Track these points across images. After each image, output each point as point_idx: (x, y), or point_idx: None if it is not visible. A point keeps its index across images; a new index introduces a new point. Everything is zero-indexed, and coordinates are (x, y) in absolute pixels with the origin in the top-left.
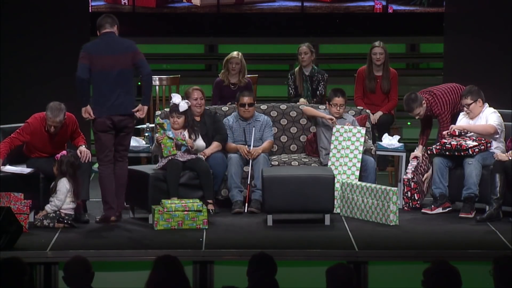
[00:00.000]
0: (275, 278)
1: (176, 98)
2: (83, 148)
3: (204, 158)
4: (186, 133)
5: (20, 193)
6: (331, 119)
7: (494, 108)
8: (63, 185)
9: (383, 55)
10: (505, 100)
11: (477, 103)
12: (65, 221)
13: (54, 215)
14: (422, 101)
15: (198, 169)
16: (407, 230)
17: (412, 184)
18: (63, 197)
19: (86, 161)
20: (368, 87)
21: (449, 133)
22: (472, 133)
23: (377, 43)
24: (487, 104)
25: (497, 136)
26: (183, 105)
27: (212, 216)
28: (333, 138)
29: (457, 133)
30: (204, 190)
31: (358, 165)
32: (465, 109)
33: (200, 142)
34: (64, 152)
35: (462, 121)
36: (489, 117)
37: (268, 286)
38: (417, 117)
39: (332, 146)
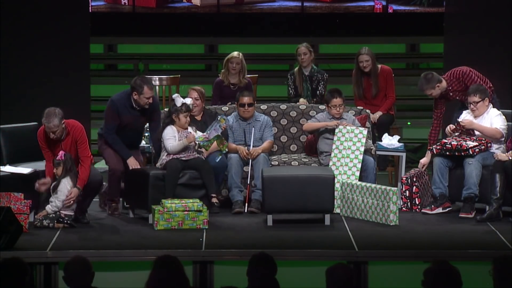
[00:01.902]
0: (276, 278)
1: (181, 99)
2: (75, 191)
3: (204, 158)
4: (190, 130)
5: (20, 193)
6: (335, 124)
7: (494, 107)
8: (64, 186)
9: (369, 61)
10: (505, 100)
11: (484, 102)
12: (65, 221)
13: (54, 215)
14: (436, 83)
15: (200, 167)
16: (407, 230)
17: (414, 188)
18: (64, 197)
19: (66, 205)
20: (357, 93)
21: (459, 121)
22: (477, 133)
23: (362, 50)
24: (491, 105)
25: (502, 139)
26: (190, 103)
27: (215, 215)
28: (335, 138)
29: (464, 127)
30: (206, 185)
31: (359, 165)
32: (471, 106)
33: (200, 134)
34: (63, 152)
35: (467, 118)
36: (494, 120)
37: (268, 286)
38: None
39: (334, 146)
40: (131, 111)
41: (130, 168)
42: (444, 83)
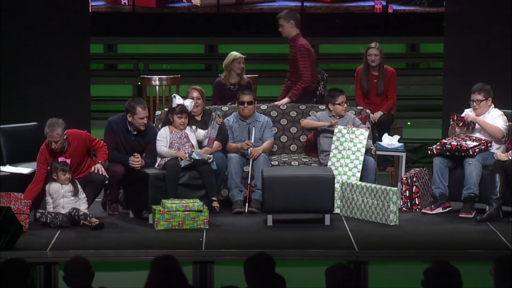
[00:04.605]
0: (278, 273)
1: (180, 99)
2: (98, 165)
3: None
4: (188, 130)
5: (20, 193)
6: (332, 123)
7: (494, 107)
8: (80, 187)
9: (378, 56)
10: (505, 100)
11: (488, 101)
12: (96, 224)
13: (83, 215)
14: (292, 20)
15: (200, 168)
16: (407, 230)
17: (414, 188)
18: (84, 195)
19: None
20: (364, 88)
21: (459, 117)
22: (477, 131)
23: (373, 44)
24: (493, 105)
25: (503, 139)
26: (190, 105)
27: (215, 214)
28: (334, 138)
29: (467, 119)
30: (207, 188)
31: (360, 166)
32: (474, 104)
33: (201, 131)
34: (62, 158)
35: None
36: (496, 120)
37: (268, 284)
38: None
39: (333, 146)
40: (125, 134)
41: (134, 163)
42: (295, 29)
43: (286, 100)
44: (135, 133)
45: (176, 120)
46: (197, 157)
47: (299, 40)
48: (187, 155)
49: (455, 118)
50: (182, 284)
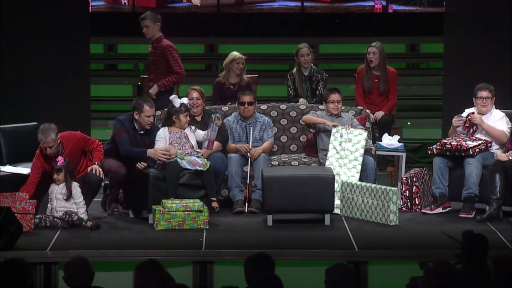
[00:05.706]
0: (276, 275)
1: (178, 99)
2: (95, 166)
3: (204, 158)
4: (188, 130)
5: (25, 193)
6: (331, 125)
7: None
8: (76, 190)
9: (376, 55)
10: (505, 100)
11: (492, 100)
12: (94, 225)
13: (77, 220)
14: (158, 22)
15: None
16: (407, 230)
17: (414, 188)
18: (81, 199)
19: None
20: (366, 87)
21: (468, 118)
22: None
23: (373, 44)
24: (494, 105)
25: (506, 141)
26: (188, 103)
27: (215, 214)
28: (332, 138)
29: (474, 121)
30: (207, 189)
31: (359, 167)
32: (483, 101)
33: (200, 132)
34: (61, 157)
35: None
36: (499, 122)
37: (267, 284)
38: None
39: (331, 146)
40: (133, 133)
41: (159, 155)
42: (159, 31)
43: (155, 87)
44: (142, 132)
45: (182, 119)
46: (187, 166)
47: (165, 41)
48: (178, 154)
49: (467, 117)
50: (169, 283)
